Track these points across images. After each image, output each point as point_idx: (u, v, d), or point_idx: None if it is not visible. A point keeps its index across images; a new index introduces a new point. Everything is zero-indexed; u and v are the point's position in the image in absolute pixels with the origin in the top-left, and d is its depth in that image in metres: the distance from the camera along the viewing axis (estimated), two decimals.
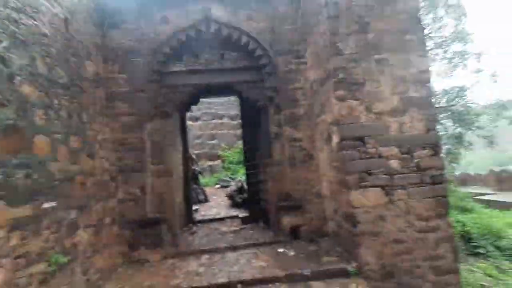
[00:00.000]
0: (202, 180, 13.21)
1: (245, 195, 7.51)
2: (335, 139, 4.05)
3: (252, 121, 5.90)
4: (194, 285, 3.59)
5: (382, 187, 3.73)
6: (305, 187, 4.93)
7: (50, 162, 2.96)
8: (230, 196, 8.08)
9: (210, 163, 15.66)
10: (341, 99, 3.84)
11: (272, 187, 5.07)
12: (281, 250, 4.47)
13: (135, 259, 4.49)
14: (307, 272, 3.66)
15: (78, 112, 3.70)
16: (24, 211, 2.47)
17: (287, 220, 4.86)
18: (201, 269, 4.06)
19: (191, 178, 7.38)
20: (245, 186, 7.68)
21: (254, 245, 4.76)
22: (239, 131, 15.72)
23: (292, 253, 4.33)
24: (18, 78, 2.60)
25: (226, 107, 16.34)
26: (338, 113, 3.85)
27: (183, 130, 7.01)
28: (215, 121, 16.27)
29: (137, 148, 4.76)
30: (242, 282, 3.60)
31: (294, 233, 4.82)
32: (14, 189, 2.39)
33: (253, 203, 6.27)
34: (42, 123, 2.92)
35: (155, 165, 4.87)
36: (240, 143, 14.62)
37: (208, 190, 11.43)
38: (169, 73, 5.10)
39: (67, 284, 3.01)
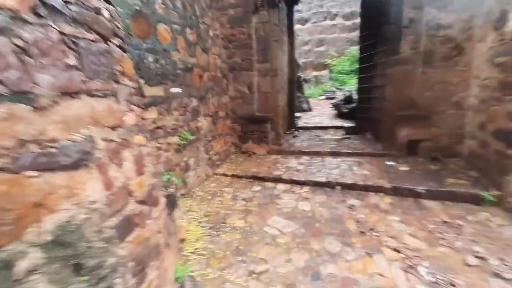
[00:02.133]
0: (307, 91, 12.81)
1: (353, 105, 6.75)
2: None
3: (375, 6, 4.56)
4: (294, 178, 3.79)
5: None
6: (440, 94, 3.79)
7: (172, 51, 3.25)
8: (336, 106, 7.50)
9: (316, 73, 14.64)
10: None
11: (392, 93, 4.17)
12: (390, 163, 3.98)
13: (244, 151, 5.10)
14: (421, 189, 3.16)
15: (190, 3, 3.72)
16: (158, 91, 2.93)
17: (405, 133, 4.09)
18: (301, 167, 4.21)
19: (295, 84, 7.09)
20: (354, 96, 6.83)
21: (359, 154, 4.43)
22: (353, 34, 13.34)
23: (404, 168, 3.78)
24: None
25: (340, 3, 13.61)
26: None
27: (290, 28, 6.34)
28: (325, 23, 14.15)
29: (245, 44, 4.67)
30: (341, 184, 3.53)
31: (411, 148, 4.09)
32: (148, 70, 2.78)
33: (362, 112, 5.57)
34: (161, 12, 3.08)
35: (261, 64, 4.77)
36: (352, 50, 12.59)
37: (312, 101, 11.10)
38: None
39: (194, 157, 3.74)
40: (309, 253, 2.29)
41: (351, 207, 3.09)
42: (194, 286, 1.89)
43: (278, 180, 3.86)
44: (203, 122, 4.06)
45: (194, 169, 3.75)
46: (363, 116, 5.44)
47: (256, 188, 3.72)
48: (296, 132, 6.31)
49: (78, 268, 0.99)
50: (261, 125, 4.92)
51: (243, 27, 4.59)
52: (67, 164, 0.97)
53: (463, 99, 3.70)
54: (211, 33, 4.40)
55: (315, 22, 14.39)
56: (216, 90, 4.51)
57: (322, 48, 14.34)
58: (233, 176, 4.15)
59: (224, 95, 4.86)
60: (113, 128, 1.25)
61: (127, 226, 1.29)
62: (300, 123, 7.31)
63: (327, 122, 7.14)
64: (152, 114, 2.82)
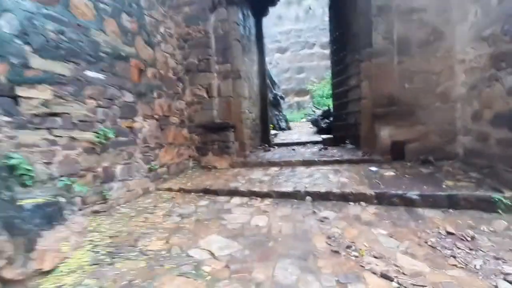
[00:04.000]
0: (289, 115, 12.47)
1: (332, 119, 6.20)
2: None
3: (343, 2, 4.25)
4: (253, 189, 2.97)
5: None
6: (421, 86, 3.25)
7: (93, 30, 2.62)
8: (314, 122, 6.97)
9: (298, 99, 14.53)
10: None
11: (369, 90, 3.62)
12: (374, 168, 3.25)
13: (204, 165, 4.29)
14: (414, 194, 2.39)
15: None
16: (58, 67, 2.21)
17: (387, 134, 3.44)
18: (266, 178, 3.40)
19: (268, 98, 6.59)
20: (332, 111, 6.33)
21: (336, 162, 3.69)
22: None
23: (390, 173, 3.05)
24: None
25: (317, 33, 14.05)
26: None
27: (260, 40, 6.02)
28: (304, 51, 14.44)
29: (201, 43, 4.15)
30: (312, 194, 2.72)
31: (397, 151, 3.41)
32: (42, 39, 2.09)
33: (339, 120, 4.96)
34: None
35: (221, 64, 4.22)
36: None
37: (293, 124, 10.67)
38: None
39: (123, 164, 2.91)
40: (245, 287, 1.41)
41: (323, 220, 2.26)
42: None
43: (233, 193, 3.02)
44: (143, 124, 3.30)
45: (123, 180, 2.88)
46: (341, 124, 4.83)
47: (203, 202, 2.86)
48: (270, 148, 5.60)
49: None
50: (222, 134, 4.19)
51: (199, 25, 4.12)
52: None
53: (449, 90, 3.15)
54: (162, 29, 3.89)
55: (294, 51, 14.68)
56: (167, 92, 3.84)
57: (302, 75, 14.43)
58: (179, 190, 3.28)
59: (179, 100, 4.19)
60: None
61: None
62: (277, 140, 6.65)
63: (305, 138, 6.50)
64: (42, 94, 2.06)
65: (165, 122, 3.77)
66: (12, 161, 1.77)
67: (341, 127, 4.79)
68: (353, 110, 4.29)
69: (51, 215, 1.77)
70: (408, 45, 3.27)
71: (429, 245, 1.77)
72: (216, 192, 3.10)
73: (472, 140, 2.87)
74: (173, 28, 4.19)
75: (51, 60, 2.15)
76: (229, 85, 4.23)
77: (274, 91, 7.93)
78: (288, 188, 2.89)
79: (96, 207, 2.50)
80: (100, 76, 2.66)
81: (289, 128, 8.24)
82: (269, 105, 6.75)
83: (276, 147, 5.85)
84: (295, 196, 2.78)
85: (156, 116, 3.58)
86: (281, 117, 8.11)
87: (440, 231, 1.96)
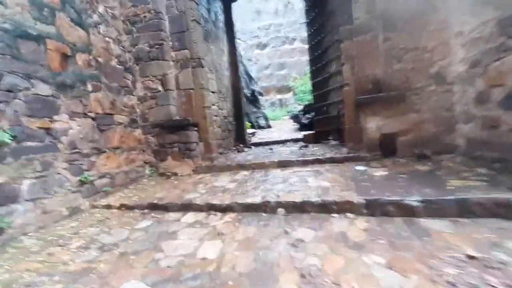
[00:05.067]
0: (271, 113, 11.90)
1: (313, 114, 5.66)
2: None
3: None
4: (212, 202, 2.32)
5: None
6: (413, 66, 2.71)
7: None
8: (295, 118, 6.42)
9: (280, 96, 13.99)
10: None
11: (351, 74, 3.06)
12: (360, 168, 2.68)
13: (163, 172, 3.59)
14: (415, 201, 1.83)
15: None
16: None
17: (374, 125, 2.89)
18: (231, 185, 2.76)
19: (248, 97, 5.96)
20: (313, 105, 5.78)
21: (316, 161, 3.11)
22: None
23: (381, 173, 2.49)
24: None
25: (297, 28, 13.57)
26: None
27: (230, 28, 5.38)
28: (285, 47, 13.94)
29: (152, 25, 3.45)
30: (285, 205, 2.11)
31: (387, 146, 2.87)
32: None
33: (320, 114, 4.40)
34: None
35: (177, 51, 3.54)
36: None
37: (275, 122, 10.10)
38: None
39: (35, 177, 2.17)
40: None
41: (297, 244, 1.64)
42: None
43: (187, 207, 2.36)
44: (70, 125, 2.57)
45: (33, 199, 2.14)
46: (323, 118, 4.26)
47: (144, 224, 2.17)
48: (246, 149, 4.96)
49: None
50: (182, 134, 3.51)
51: (149, 3, 3.42)
52: None
53: (445, 69, 2.63)
54: (100, 9, 3.16)
55: (274, 47, 14.15)
56: (108, 85, 3.12)
57: (283, 72, 13.92)
58: (120, 207, 2.58)
59: (128, 95, 3.47)
60: None
61: None
62: (255, 140, 6.03)
63: (285, 136, 5.91)
64: None
65: (106, 121, 3.04)
66: None
67: (323, 121, 4.22)
68: (335, 100, 3.73)
69: None
70: (395, 18, 2.73)
71: (448, 282, 1.19)
72: (165, 208, 2.42)
73: (476, 128, 2.36)
74: (118, 8, 3.47)
75: None
76: (189, 75, 3.55)
77: (252, 87, 7.29)
78: (255, 198, 2.26)
79: None
80: None
81: (269, 126, 7.64)
82: (246, 102, 6.13)
83: (252, 147, 5.23)
84: (263, 208, 2.16)
85: (92, 114, 2.85)
86: (259, 115, 7.50)
87: (456, 254, 1.39)
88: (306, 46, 14.30)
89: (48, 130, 2.34)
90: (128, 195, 2.86)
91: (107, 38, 3.21)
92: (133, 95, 3.56)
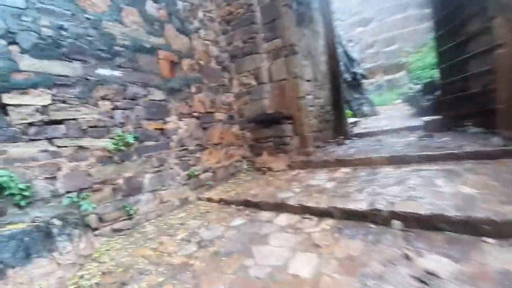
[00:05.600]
0: (377, 98, 10.34)
1: (438, 92, 4.37)
2: None
3: None
4: (307, 204, 2.05)
5: None
6: None
7: (107, 22, 2.31)
8: (411, 100, 5.18)
9: (389, 76, 11.94)
10: None
11: (508, 31, 2.05)
12: None
13: (259, 167, 3.59)
14: None
15: None
16: (57, 67, 1.94)
17: None
18: (329, 185, 2.39)
19: (349, 82, 5.28)
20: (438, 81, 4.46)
21: (449, 157, 2.29)
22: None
23: None
24: None
25: None
26: None
27: (326, 6, 4.83)
28: (393, 18, 11.72)
29: (245, 20, 3.44)
30: (403, 216, 1.60)
31: None
32: (35, 36, 1.85)
33: (451, 93, 3.28)
34: None
35: (269, 41, 3.40)
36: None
37: (383, 108, 8.66)
38: None
39: (152, 172, 2.52)
40: None
41: (427, 279, 1.16)
42: None
43: (280, 207, 2.19)
44: (178, 125, 2.87)
45: (153, 191, 2.50)
46: (455, 97, 3.16)
47: (238, 221, 2.14)
48: (346, 141, 4.39)
49: None
50: (276, 128, 3.38)
51: None
52: None
53: None
54: (200, 14, 3.40)
55: (380, 20, 12.13)
56: (208, 85, 3.33)
57: (393, 47, 11.77)
58: (220, 201, 2.70)
59: (226, 93, 3.63)
60: None
61: None
62: (357, 130, 5.29)
63: (398, 124, 4.87)
64: (37, 99, 1.81)
65: (208, 119, 3.27)
66: None
67: (455, 102, 3.14)
68: (477, 71, 2.67)
69: (28, 246, 1.44)
70: None
71: None
72: (258, 206, 2.34)
73: None
74: (215, 10, 3.65)
75: (46, 60, 1.89)
76: (282, 65, 3.36)
77: (353, 70, 6.44)
78: (360, 203, 1.83)
79: (117, 225, 2.17)
80: (116, 73, 2.33)
81: (375, 113, 6.57)
82: (346, 88, 5.44)
83: (355, 138, 4.58)
84: (371, 218, 1.71)
85: (196, 114, 3.11)
86: (363, 101, 6.53)
87: None
88: (423, 11, 11.52)
89: (162, 131, 2.68)
90: (226, 190, 2.98)
91: (206, 41, 3.42)
92: (230, 93, 3.70)
